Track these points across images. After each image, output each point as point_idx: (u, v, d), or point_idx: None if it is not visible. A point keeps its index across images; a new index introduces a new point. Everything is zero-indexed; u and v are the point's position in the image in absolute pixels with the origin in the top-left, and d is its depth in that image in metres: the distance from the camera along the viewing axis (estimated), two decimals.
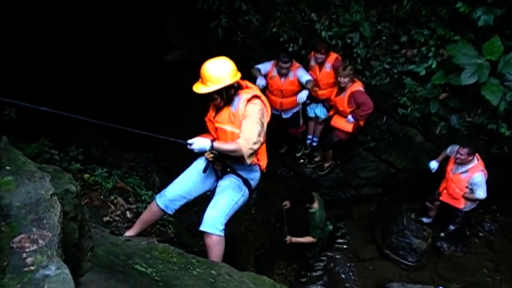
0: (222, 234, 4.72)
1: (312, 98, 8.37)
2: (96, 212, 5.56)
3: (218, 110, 4.83)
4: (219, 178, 5.09)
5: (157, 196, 5.08)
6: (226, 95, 4.69)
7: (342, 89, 7.78)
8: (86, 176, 5.98)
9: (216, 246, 4.69)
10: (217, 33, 8.45)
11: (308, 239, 7.35)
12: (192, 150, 4.52)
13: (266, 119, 4.80)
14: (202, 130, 5.01)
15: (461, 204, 7.41)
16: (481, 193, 7.10)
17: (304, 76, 7.85)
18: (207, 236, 4.67)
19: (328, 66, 7.90)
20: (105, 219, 5.56)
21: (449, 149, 7.46)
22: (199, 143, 4.45)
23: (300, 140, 9.20)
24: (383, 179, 8.85)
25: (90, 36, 9.02)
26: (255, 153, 4.71)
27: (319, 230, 7.28)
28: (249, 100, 4.68)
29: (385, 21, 7.71)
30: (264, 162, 5.10)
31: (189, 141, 4.45)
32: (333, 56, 7.89)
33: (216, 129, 4.87)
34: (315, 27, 7.87)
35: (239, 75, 4.74)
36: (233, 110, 4.70)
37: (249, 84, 4.94)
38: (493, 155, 7.57)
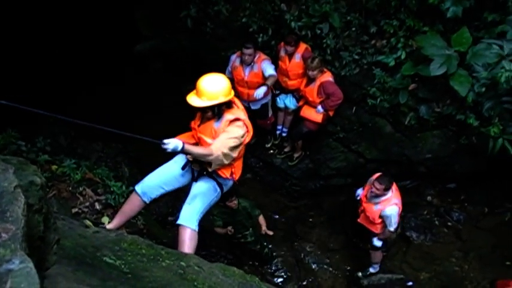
0: (197, 229, 5.00)
1: (282, 89, 8.35)
2: (64, 203, 5.53)
3: (204, 120, 5.09)
4: (194, 177, 5.32)
5: (137, 184, 5.28)
6: (218, 111, 4.92)
7: (311, 80, 7.76)
8: (54, 167, 5.93)
9: (190, 240, 4.95)
10: (187, 24, 8.38)
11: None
12: (164, 149, 4.69)
13: (246, 140, 5.08)
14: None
15: (378, 230, 7.25)
16: (390, 226, 7.01)
17: (268, 70, 7.81)
18: (183, 229, 4.96)
19: (297, 57, 7.86)
20: (74, 210, 5.55)
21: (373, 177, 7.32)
22: (173, 143, 4.65)
23: (270, 130, 9.17)
24: (352, 169, 8.83)
25: (61, 24, 8.92)
26: (221, 164, 5.01)
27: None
28: (231, 121, 4.93)
29: (355, 12, 7.72)
30: (237, 175, 5.39)
31: (165, 141, 4.65)
32: (303, 46, 7.86)
33: (199, 138, 5.13)
34: (284, 17, 7.85)
35: (232, 93, 5.00)
36: (215, 126, 4.96)
37: (236, 101, 5.20)
38: (461, 145, 7.61)
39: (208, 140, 5.00)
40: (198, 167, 5.23)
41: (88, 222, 4.80)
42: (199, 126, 5.12)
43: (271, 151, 9.27)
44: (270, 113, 8.70)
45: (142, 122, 7.55)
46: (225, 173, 5.22)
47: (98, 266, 3.11)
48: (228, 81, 4.96)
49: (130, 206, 5.29)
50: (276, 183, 9.26)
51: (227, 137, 4.87)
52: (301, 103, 8.30)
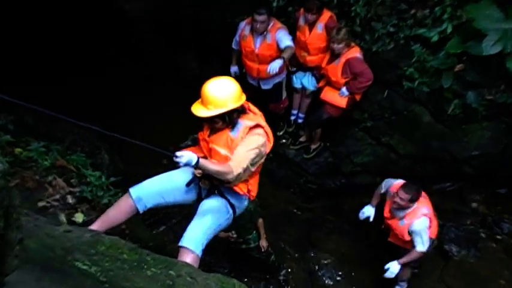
0: (201, 254, 5.02)
1: (299, 65, 8.34)
2: (29, 195, 5.45)
3: (215, 130, 5.12)
4: (201, 196, 5.39)
5: (132, 187, 5.28)
6: (229, 119, 4.96)
7: (335, 56, 7.73)
8: (18, 150, 5.86)
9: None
10: None
11: None
12: (177, 163, 4.70)
13: (266, 150, 5.11)
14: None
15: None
16: (420, 246, 6.87)
17: (284, 40, 7.75)
18: (185, 252, 4.95)
19: (319, 27, 7.83)
20: (41, 204, 5.44)
21: (383, 186, 7.31)
22: (186, 156, 4.64)
23: (283, 116, 9.17)
24: (381, 166, 8.79)
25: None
26: (240, 179, 5.02)
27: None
28: (251, 128, 4.98)
29: None
30: (254, 193, 5.43)
31: (178, 153, 4.66)
32: (326, 14, 7.82)
33: (210, 149, 5.18)
34: None
35: (244, 97, 5.01)
36: (233, 135, 4.99)
37: (252, 107, 5.22)
38: None
39: (222, 150, 5.05)
40: (208, 185, 5.30)
41: (63, 218, 4.72)
42: (209, 136, 5.18)
43: (284, 140, 9.27)
44: (284, 95, 8.69)
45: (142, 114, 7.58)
46: (242, 189, 5.24)
47: (68, 273, 3.05)
48: (237, 84, 4.98)
49: (119, 211, 5.27)
50: (288, 179, 9.25)
51: (247, 149, 4.91)
52: (321, 84, 8.26)
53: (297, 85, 8.60)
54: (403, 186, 6.79)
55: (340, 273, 8.30)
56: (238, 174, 4.86)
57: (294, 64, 8.21)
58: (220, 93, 4.85)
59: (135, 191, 5.21)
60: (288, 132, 9.27)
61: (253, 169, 5.04)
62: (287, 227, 8.60)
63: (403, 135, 8.39)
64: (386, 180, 7.29)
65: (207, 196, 5.34)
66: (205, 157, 5.14)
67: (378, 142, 8.69)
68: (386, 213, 7.19)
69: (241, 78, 7.42)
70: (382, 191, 7.30)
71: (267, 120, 7.93)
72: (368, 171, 8.99)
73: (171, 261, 3.96)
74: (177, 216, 7.77)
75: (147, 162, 7.22)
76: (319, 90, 8.30)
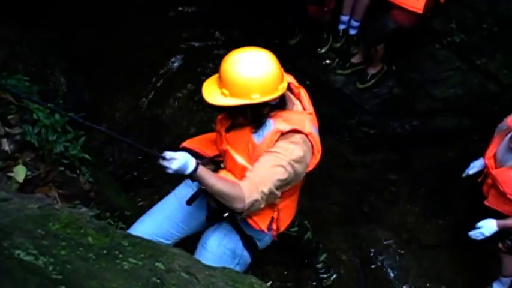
0: None
1: None
2: None
3: (234, 124, 5.02)
4: (209, 219, 5.47)
5: None
6: (253, 115, 4.77)
7: None
8: None
9: None
10: None
11: None
12: (163, 167, 4.59)
13: (303, 167, 4.91)
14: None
15: None
16: None
17: None
18: None
19: None
20: None
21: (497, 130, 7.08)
22: (180, 160, 4.51)
23: (327, 24, 9.07)
24: (473, 101, 8.77)
25: None
26: (256, 208, 4.80)
27: None
28: (283, 134, 4.75)
29: None
30: (283, 225, 5.46)
31: (166, 154, 4.52)
32: None
33: (225, 151, 5.07)
34: None
35: (283, 87, 4.75)
36: (256, 140, 4.82)
37: (302, 94, 5.16)
38: None
39: (239, 158, 4.91)
40: (215, 203, 5.10)
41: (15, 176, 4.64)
42: (227, 131, 5.05)
43: (328, 61, 9.22)
44: None
45: None
46: (259, 224, 5.14)
47: (4, 268, 2.84)
48: (276, 65, 4.70)
49: None
50: (332, 120, 9.18)
51: (274, 164, 4.69)
52: None
53: None
54: None
55: (407, 260, 8.29)
56: (253, 203, 4.66)
57: None
58: (245, 75, 4.56)
59: None
60: (334, 48, 9.18)
61: (279, 193, 4.84)
62: (330, 191, 8.62)
63: (509, 56, 8.28)
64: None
65: (215, 221, 5.36)
66: (217, 158, 5.16)
67: (470, 66, 8.61)
68: (489, 159, 6.97)
69: None
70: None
71: (304, 29, 7.92)
72: (453, 109, 8.96)
73: (159, 247, 3.85)
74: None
75: (123, 86, 7.12)
76: None
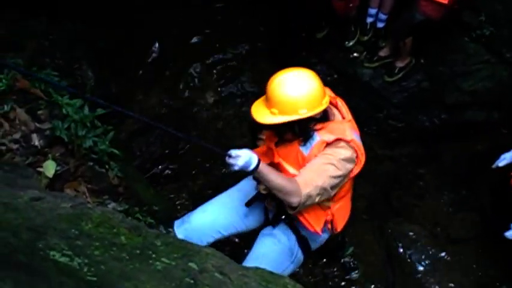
0: None
1: None
2: None
3: (282, 140, 5.27)
4: (267, 220, 5.75)
5: (177, 223, 5.78)
6: (301, 130, 5.05)
7: None
8: None
9: None
10: None
11: None
12: (229, 165, 4.88)
13: (349, 167, 5.15)
14: None
15: None
16: None
17: None
18: None
19: None
20: None
21: None
22: (244, 156, 4.79)
23: (354, 17, 9.06)
24: (503, 94, 8.73)
25: None
26: (309, 204, 5.07)
27: None
28: (329, 144, 5.04)
29: None
30: (340, 226, 5.70)
31: (232, 152, 4.81)
32: None
33: (278, 164, 5.26)
34: None
35: (326, 101, 5.05)
36: (305, 152, 5.11)
37: (340, 105, 5.41)
38: None
39: (291, 169, 5.15)
40: (274, 209, 5.52)
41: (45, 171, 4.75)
42: (277, 146, 5.27)
43: (356, 54, 9.22)
44: None
45: None
46: (313, 225, 5.31)
47: (39, 270, 2.83)
48: (318, 82, 4.99)
49: None
50: (360, 113, 8.86)
51: (324, 162, 4.96)
52: None
53: None
54: None
55: (435, 254, 8.22)
56: (307, 198, 4.87)
57: None
58: (292, 93, 4.84)
59: (182, 229, 5.65)
60: (362, 42, 9.19)
61: (332, 192, 5.07)
62: (358, 184, 8.46)
63: None
64: None
65: (272, 223, 5.58)
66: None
67: (499, 59, 8.60)
68: None
69: None
70: None
71: (331, 23, 7.91)
72: (482, 102, 8.94)
73: (192, 247, 3.84)
74: (192, 164, 7.74)
75: (151, 80, 7.11)
76: None
